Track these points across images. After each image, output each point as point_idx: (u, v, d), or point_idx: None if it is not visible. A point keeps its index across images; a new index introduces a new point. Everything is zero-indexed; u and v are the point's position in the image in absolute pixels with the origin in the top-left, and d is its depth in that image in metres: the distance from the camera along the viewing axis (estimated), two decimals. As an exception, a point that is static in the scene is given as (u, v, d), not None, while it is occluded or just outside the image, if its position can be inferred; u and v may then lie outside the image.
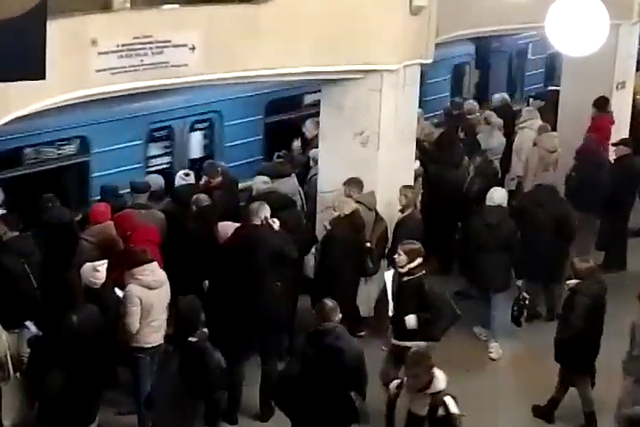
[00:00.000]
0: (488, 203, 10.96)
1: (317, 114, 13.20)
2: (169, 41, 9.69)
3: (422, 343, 8.58)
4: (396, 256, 9.08)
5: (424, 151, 12.80)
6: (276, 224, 9.53)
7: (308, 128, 12.98)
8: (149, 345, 8.68)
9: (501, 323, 10.84)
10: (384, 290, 9.48)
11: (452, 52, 15.79)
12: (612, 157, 13.36)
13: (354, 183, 10.75)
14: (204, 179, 11.42)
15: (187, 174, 11.46)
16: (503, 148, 14.16)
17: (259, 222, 9.42)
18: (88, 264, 8.52)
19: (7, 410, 8.20)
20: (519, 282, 10.99)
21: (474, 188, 12.14)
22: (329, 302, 7.97)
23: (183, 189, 10.95)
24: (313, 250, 10.69)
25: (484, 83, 17.71)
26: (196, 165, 12.49)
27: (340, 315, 7.96)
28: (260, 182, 11.11)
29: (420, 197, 11.79)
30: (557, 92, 15.62)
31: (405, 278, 9.00)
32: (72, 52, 8.92)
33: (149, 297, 8.56)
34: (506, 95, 16.00)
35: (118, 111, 11.42)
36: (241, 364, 9.29)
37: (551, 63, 18.87)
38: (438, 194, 12.30)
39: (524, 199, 11.86)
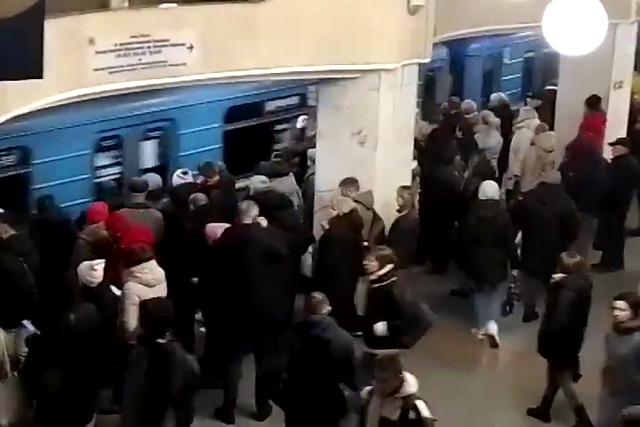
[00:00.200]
0: (480, 197, 11.08)
1: (281, 121, 13.62)
2: (167, 40, 9.70)
3: (393, 351, 8.26)
4: (366, 262, 8.91)
5: (422, 151, 12.82)
6: (263, 222, 9.52)
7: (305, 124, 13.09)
8: (147, 342, 8.69)
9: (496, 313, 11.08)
10: None
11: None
12: (609, 156, 13.38)
13: (349, 183, 10.77)
14: (201, 178, 11.43)
15: (184, 173, 11.47)
16: (500, 147, 14.19)
17: (249, 222, 9.42)
18: (85, 263, 8.52)
19: (4, 409, 8.18)
20: (514, 272, 11.19)
21: (471, 187, 12.17)
22: (317, 295, 8.02)
23: (181, 189, 10.95)
24: (310, 249, 10.70)
25: (458, 87, 17.22)
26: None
27: (329, 307, 7.97)
28: (258, 181, 11.12)
29: (417, 197, 11.82)
30: (554, 91, 15.64)
31: (376, 285, 8.84)
32: (70, 51, 8.93)
33: (148, 295, 8.57)
34: (503, 95, 16.03)
35: (62, 120, 10.93)
36: (235, 363, 9.31)
37: (528, 68, 18.67)
38: (430, 191, 12.37)
39: (529, 197, 11.93)
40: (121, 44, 9.41)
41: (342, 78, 11.01)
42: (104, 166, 11.99)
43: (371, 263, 8.84)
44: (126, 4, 9.92)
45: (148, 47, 9.61)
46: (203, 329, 10.16)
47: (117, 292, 8.75)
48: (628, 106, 15.33)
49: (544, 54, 18.67)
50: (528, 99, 16.54)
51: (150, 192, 10.68)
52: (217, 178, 11.31)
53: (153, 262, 8.71)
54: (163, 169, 12.43)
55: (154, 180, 11.10)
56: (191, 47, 9.84)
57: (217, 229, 9.63)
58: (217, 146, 13.02)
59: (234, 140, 13.23)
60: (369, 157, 11.09)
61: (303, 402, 7.89)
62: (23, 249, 8.96)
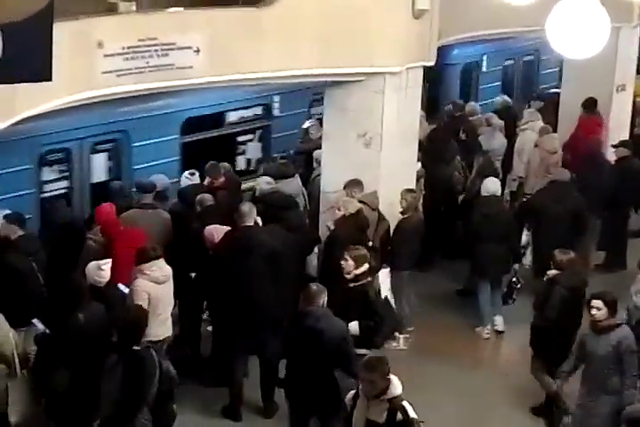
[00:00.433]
0: (483, 193, 11.30)
1: (244, 132, 13.16)
2: (174, 43, 9.77)
3: (363, 351, 8.36)
4: (342, 262, 8.91)
5: (423, 151, 12.89)
6: (258, 220, 9.61)
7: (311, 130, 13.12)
8: (157, 338, 8.76)
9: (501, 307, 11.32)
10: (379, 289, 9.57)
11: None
12: (612, 158, 13.47)
13: (354, 184, 10.85)
14: (207, 179, 11.52)
15: (192, 174, 11.55)
16: (504, 149, 14.26)
17: (251, 223, 9.48)
18: (92, 263, 8.61)
19: (14, 407, 8.25)
20: (516, 266, 11.32)
21: (475, 188, 12.28)
22: (314, 286, 8.13)
23: (188, 190, 11.04)
24: (316, 250, 10.78)
25: (434, 96, 16.43)
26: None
27: (326, 298, 8.04)
28: (264, 183, 11.21)
29: (421, 200, 11.92)
30: (558, 94, 15.71)
31: (351, 285, 8.82)
32: (78, 54, 9.00)
33: (157, 291, 8.72)
34: (507, 97, 16.09)
35: (6, 134, 9.63)
36: (240, 361, 9.41)
37: (508, 76, 18.17)
38: (430, 192, 12.47)
39: (540, 195, 12.08)
40: (129, 48, 9.47)
41: (348, 81, 11.09)
42: (50, 181, 11.36)
43: (347, 263, 8.85)
44: (134, 7, 9.98)
45: (156, 50, 9.68)
46: (209, 328, 10.26)
47: (125, 289, 8.86)
48: (631, 109, 15.41)
49: (524, 62, 18.49)
50: (531, 101, 16.54)
51: (158, 193, 10.77)
52: (222, 179, 11.40)
53: (162, 260, 8.82)
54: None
55: (162, 181, 11.17)
56: (198, 50, 9.91)
57: (215, 231, 9.70)
58: (174, 158, 12.39)
59: (193, 152, 12.56)
60: (374, 158, 11.17)
61: (301, 390, 8.05)
62: (31, 249, 9.04)
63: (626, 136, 14.60)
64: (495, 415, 9.89)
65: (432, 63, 11.44)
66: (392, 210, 11.01)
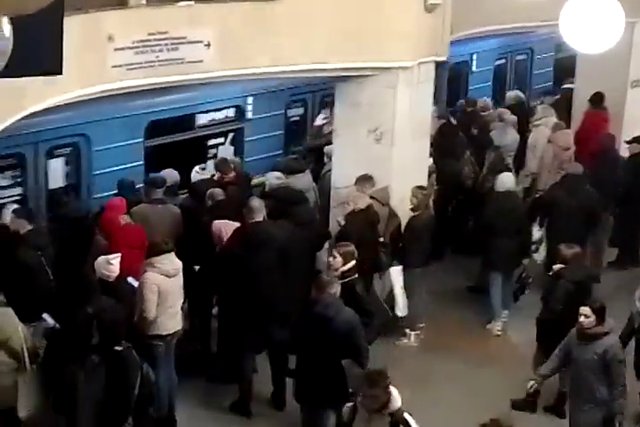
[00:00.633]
0: (499, 188, 11.29)
1: (211, 136, 12.77)
2: (184, 37, 9.74)
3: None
4: (330, 259, 8.96)
5: (435, 148, 12.84)
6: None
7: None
8: (167, 332, 8.80)
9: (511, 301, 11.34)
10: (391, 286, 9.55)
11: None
12: (625, 154, 13.39)
13: (364, 180, 10.81)
14: (217, 174, 11.49)
15: (202, 168, 11.54)
16: (516, 144, 14.20)
17: (261, 219, 9.44)
18: (102, 257, 8.62)
19: (23, 401, 8.25)
20: (525, 261, 11.30)
21: (486, 184, 12.23)
22: (324, 276, 8.23)
23: (199, 184, 11.03)
24: (326, 245, 10.74)
25: None
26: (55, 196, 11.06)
27: (339, 288, 8.10)
28: (274, 178, 11.18)
29: (433, 196, 11.87)
30: (571, 90, 15.62)
31: (339, 281, 8.70)
32: (89, 48, 8.98)
33: (167, 284, 8.72)
34: (520, 93, 16.00)
35: None
36: (249, 357, 9.40)
37: (499, 76, 17.61)
38: (440, 187, 12.44)
39: (554, 188, 12.06)
40: (139, 42, 9.45)
41: (359, 76, 11.05)
42: (2, 187, 10.85)
43: (335, 259, 8.87)
44: (144, 1, 9.96)
45: (166, 44, 9.65)
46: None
47: (135, 283, 8.85)
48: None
49: (517, 62, 18.06)
50: (542, 97, 16.38)
51: (168, 188, 10.75)
52: (233, 174, 11.37)
53: (173, 254, 8.82)
54: (73, 189, 11.39)
55: (172, 176, 11.16)
56: (208, 45, 9.88)
57: (224, 227, 9.68)
58: (138, 163, 11.76)
59: (158, 156, 11.92)
60: (385, 153, 11.12)
61: (309, 380, 8.09)
62: (40, 243, 9.03)
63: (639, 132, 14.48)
64: (507, 412, 9.82)
65: (444, 58, 11.40)
66: (403, 206, 10.98)
